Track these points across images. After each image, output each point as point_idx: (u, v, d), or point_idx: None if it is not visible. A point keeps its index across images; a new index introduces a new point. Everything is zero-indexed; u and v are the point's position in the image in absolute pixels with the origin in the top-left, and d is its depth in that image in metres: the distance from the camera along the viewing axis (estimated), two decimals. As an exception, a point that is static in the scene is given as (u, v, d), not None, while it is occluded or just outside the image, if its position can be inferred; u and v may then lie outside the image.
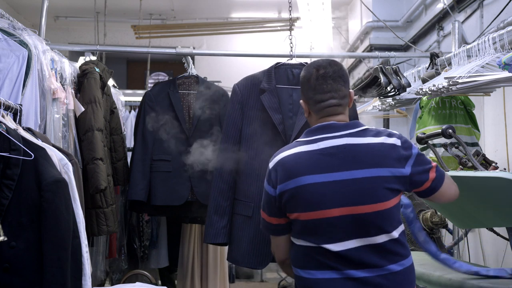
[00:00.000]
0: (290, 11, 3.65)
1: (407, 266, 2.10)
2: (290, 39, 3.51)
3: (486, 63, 3.02)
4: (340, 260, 2.06)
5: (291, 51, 3.48)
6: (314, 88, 2.17)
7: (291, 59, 3.41)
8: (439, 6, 5.04)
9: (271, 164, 2.19)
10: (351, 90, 2.24)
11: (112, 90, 4.20)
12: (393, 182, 2.06)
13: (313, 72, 2.18)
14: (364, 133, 2.12)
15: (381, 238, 2.06)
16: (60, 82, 3.19)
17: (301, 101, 2.25)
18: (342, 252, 2.06)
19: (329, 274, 2.07)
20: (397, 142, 2.10)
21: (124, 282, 3.88)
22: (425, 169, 2.13)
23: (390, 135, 2.12)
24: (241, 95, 3.23)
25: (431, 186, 2.16)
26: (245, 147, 3.19)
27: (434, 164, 2.17)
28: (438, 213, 3.49)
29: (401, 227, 2.13)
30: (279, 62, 3.33)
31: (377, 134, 2.12)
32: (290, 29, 3.57)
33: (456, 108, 3.58)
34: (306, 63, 3.33)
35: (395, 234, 2.08)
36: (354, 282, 2.05)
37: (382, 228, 2.06)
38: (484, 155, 2.84)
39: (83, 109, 3.38)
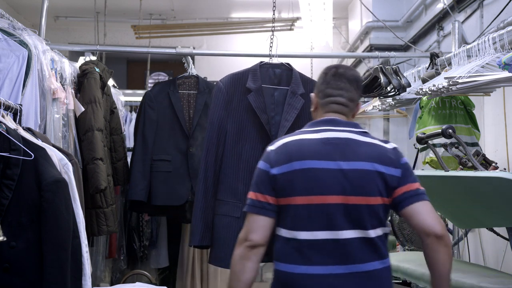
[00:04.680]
0: (273, 10, 3.68)
1: (387, 265, 2.13)
2: (271, 39, 3.52)
3: (486, 63, 3.02)
4: (327, 252, 2.07)
5: (270, 50, 3.50)
6: (328, 82, 2.25)
7: (271, 59, 3.41)
8: (439, 6, 5.04)
9: (271, 147, 2.21)
10: (360, 102, 2.32)
11: (112, 90, 4.21)
12: (388, 180, 2.11)
13: (333, 69, 2.28)
14: (365, 134, 2.21)
15: (371, 233, 2.09)
16: (60, 82, 3.20)
17: (312, 94, 2.31)
18: (331, 242, 2.07)
19: (315, 269, 2.07)
20: (394, 147, 2.20)
21: (124, 282, 3.88)
22: (411, 177, 2.16)
23: (386, 142, 2.22)
24: (226, 93, 3.23)
25: (404, 195, 2.13)
26: (231, 146, 3.19)
27: (420, 185, 2.18)
28: (438, 213, 3.49)
29: (387, 229, 2.18)
30: (262, 61, 3.35)
31: (376, 139, 2.23)
32: (273, 29, 3.58)
33: (456, 108, 3.58)
34: (288, 64, 3.36)
35: (381, 231, 2.13)
36: (338, 279, 2.06)
37: (371, 222, 2.10)
38: (484, 155, 2.85)
39: (83, 109, 3.38)
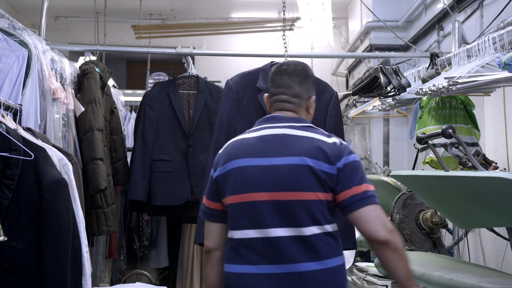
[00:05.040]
0: (284, 11, 3.68)
1: (330, 266, 2.05)
2: (284, 39, 3.51)
3: (486, 63, 3.02)
4: (259, 251, 2.06)
5: (286, 51, 3.50)
6: (272, 81, 2.26)
7: (286, 58, 3.42)
8: (439, 6, 5.04)
9: (220, 150, 2.25)
10: (314, 97, 2.25)
11: (112, 90, 4.21)
12: (319, 175, 2.04)
13: (277, 67, 2.27)
14: (306, 128, 2.15)
15: (305, 231, 2.03)
16: (60, 82, 3.20)
17: (265, 95, 2.31)
18: (262, 240, 2.05)
19: (248, 268, 2.07)
20: (336, 142, 2.11)
21: (124, 282, 3.88)
22: (356, 178, 2.05)
23: (330, 136, 2.13)
24: (237, 92, 3.21)
25: (349, 200, 2.04)
26: None
27: (371, 185, 2.06)
28: (438, 213, 3.49)
29: (331, 227, 2.08)
30: (273, 61, 3.34)
31: (319, 133, 2.15)
32: (284, 29, 3.58)
33: (456, 108, 3.58)
34: None
35: (319, 230, 2.05)
36: (270, 279, 2.03)
37: (305, 219, 2.03)
38: (484, 155, 2.84)
39: (83, 109, 3.38)
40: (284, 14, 3.72)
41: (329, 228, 2.07)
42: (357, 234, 3.77)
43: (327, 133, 2.16)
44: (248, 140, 2.17)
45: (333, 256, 2.06)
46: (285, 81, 2.22)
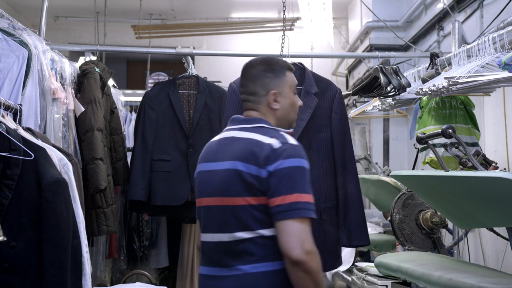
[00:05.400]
0: (284, 11, 3.68)
1: (262, 270, 1.99)
2: (283, 39, 3.51)
3: (486, 63, 3.02)
4: (205, 254, 2.14)
5: (282, 51, 3.49)
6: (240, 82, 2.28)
7: (287, 58, 3.42)
8: (439, 6, 5.04)
9: None
10: (273, 91, 2.15)
11: (112, 90, 4.21)
12: (247, 179, 1.98)
13: (242, 67, 2.27)
14: (255, 129, 2.09)
15: (234, 236, 2.01)
16: (60, 82, 3.20)
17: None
18: (206, 245, 2.12)
19: (203, 270, 2.15)
20: (274, 143, 2.00)
21: (124, 282, 3.88)
22: (287, 186, 1.94)
23: (273, 137, 2.02)
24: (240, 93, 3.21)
25: (276, 209, 1.94)
26: None
27: (306, 195, 1.94)
28: (438, 213, 3.49)
29: (270, 231, 1.99)
30: None
31: (264, 133, 2.05)
32: (284, 29, 3.58)
33: (456, 108, 3.58)
34: (301, 63, 3.34)
35: (252, 235, 2.00)
36: (209, 281, 2.09)
37: (235, 224, 2.01)
38: (484, 155, 2.84)
39: (83, 109, 3.39)
40: (284, 14, 3.72)
41: (266, 232, 1.99)
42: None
43: (278, 133, 2.06)
44: (211, 143, 2.22)
45: (271, 260, 1.99)
46: (243, 81, 2.22)
